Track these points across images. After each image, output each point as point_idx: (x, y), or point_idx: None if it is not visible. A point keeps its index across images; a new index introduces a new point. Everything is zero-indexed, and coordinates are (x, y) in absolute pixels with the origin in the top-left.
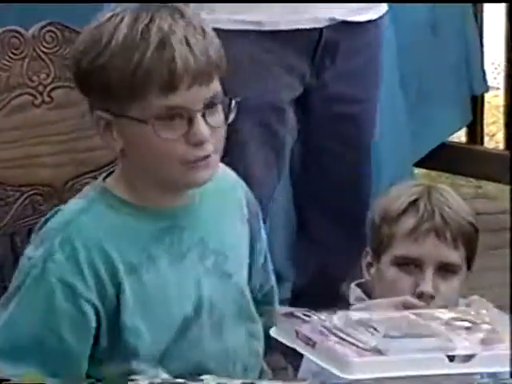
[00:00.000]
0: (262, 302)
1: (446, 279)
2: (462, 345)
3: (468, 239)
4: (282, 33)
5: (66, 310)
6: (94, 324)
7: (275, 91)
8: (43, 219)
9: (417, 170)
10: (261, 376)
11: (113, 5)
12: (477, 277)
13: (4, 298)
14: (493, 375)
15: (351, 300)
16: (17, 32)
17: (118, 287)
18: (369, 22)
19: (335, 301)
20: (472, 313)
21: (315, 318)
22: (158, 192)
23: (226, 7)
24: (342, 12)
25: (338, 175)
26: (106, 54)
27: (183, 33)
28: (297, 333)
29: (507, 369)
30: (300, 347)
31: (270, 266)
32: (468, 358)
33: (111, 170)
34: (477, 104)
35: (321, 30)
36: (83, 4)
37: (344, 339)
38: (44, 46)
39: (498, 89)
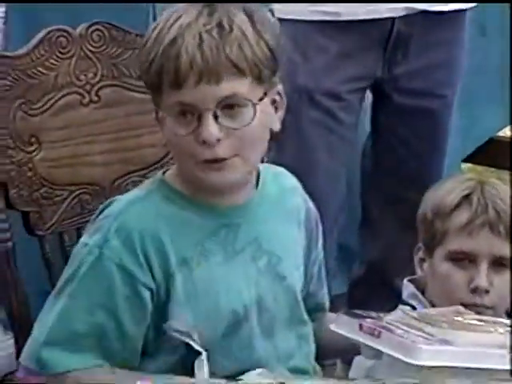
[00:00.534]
0: (314, 309)
1: (499, 273)
2: None
3: None
4: (355, 23)
5: (125, 293)
6: (150, 308)
7: (340, 81)
8: (99, 209)
9: (463, 165)
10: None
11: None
12: None
13: (56, 289)
14: None
15: (404, 296)
16: (64, 31)
17: (169, 279)
18: (452, 12)
19: (388, 296)
20: None
21: (374, 314)
22: (204, 189)
23: None
24: (420, 1)
25: (409, 170)
26: (149, 51)
27: (199, 29)
28: (360, 326)
29: None
30: (364, 338)
31: (324, 276)
32: None
33: (159, 168)
34: None
35: (393, 20)
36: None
37: (409, 332)
38: (91, 45)
39: None
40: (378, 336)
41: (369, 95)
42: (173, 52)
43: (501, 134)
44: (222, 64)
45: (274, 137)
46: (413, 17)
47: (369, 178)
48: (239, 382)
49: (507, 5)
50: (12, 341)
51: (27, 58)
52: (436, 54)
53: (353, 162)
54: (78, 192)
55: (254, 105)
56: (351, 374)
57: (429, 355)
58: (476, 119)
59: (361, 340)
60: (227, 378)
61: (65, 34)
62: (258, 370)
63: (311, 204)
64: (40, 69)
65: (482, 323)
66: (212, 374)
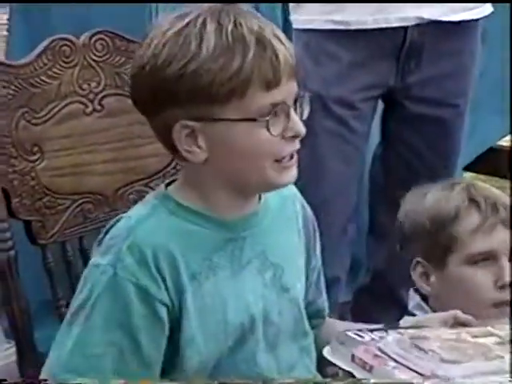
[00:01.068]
0: (314, 316)
1: None
2: None
3: None
4: (368, 32)
5: (142, 312)
6: (167, 329)
7: (353, 90)
8: (105, 229)
9: (465, 174)
10: None
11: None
12: None
13: (70, 314)
14: None
15: (410, 306)
16: (68, 40)
17: (181, 295)
18: (465, 22)
19: (392, 305)
20: None
21: (369, 338)
22: (230, 200)
23: (317, 7)
24: (431, 11)
25: (418, 179)
26: (197, 59)
27: (271, 30)
28: (352, 356)
29: None
30: (356, 371)
31: (323, 283)
32: None
33: (161, 177)
34: None
35: (406, 29)
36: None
37: (401, 363)
38: (94, 54)
39: None
40: (370, 370)
41: (379, 103)
42: (268, 53)
43: (502, 142)
44: (294, 59)
45: None
46: (424, 26)
47: (377, 186)
48: None
49: (507, 13)
50: (13, 349)
51: (30, 67)
52: (448, 64)
53: (362, 172)
54: (80, 201)
55: (303, 96)
56: None
57: None
58: (476, 127)
59: (354, 373)
60: None
61: (68, 43)
62: None
63: (308, 209)
64: (43, 78)
65: (475, 339)
66: None
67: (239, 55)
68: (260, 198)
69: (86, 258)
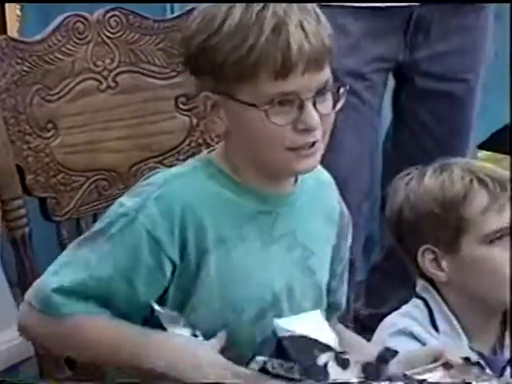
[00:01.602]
0: (331, 306)
1: None
2: None
3: None
4: (376, 7)
5: (147, 263)
6: (166, 283)
7: (364, 61)
8: (145, 176)
9: (480, 153)
10: None
11: None
12: None
13: (81, 239)
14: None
15: (417, 289)
16: (81, 17)
17: (203, 255)
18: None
19: (403, 283)
20: None
21: None
22: (258, 175)
23: None
24: None
25: (428, 155)
26: (219, 34)
27: (298, 17)
28: None
29: None
30: None
31: (346, 276)
32: None
33: (176, 154)
34: None
35: (411, 7)
36: None
37: None
38: (108, 31)
39: None
40: None
41: (391, 80)
42: (281, 41)
43: None
44: (323, 51)
45: None
46: (431, 4)
47: (390, 163)
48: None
49: None
50: None
51: (44, 44)
52: (458, 39)
53: (375, 149)
54: (94, 178)
55: (339, 87)
56: None
57: None
58: (490, 107)
59: None
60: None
61: (82, 19)
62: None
63: (344, 206)
64: (57, 54)
65: None
66: (230, 360)
67: (252, 38)
68: (296, 180)
69: None
